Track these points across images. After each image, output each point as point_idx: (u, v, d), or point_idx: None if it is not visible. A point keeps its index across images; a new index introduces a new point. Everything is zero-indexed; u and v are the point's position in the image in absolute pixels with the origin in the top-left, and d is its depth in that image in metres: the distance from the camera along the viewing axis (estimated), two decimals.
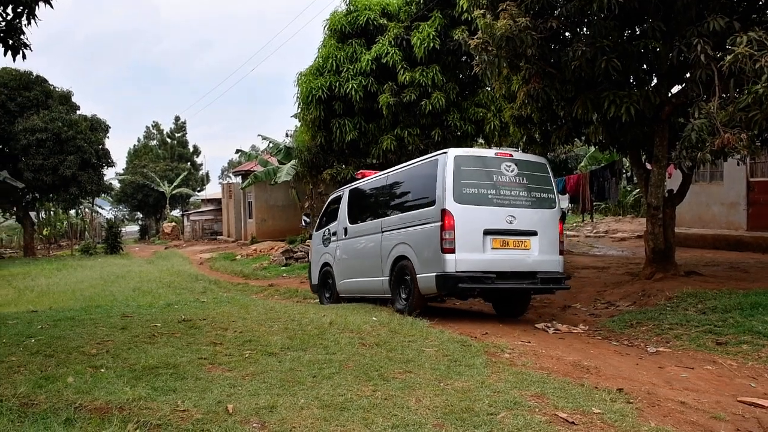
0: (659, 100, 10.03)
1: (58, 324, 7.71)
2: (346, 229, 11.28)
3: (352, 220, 11.19)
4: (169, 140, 70.90)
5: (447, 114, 15.16)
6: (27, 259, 35.14)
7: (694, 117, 8.45)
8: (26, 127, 33.64)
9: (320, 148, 17.35)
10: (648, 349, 7.46)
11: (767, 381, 5.98)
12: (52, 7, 7.11)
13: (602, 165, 19.06)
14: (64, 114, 35.60)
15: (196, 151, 72.44)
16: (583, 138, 12.23)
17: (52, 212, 53.12)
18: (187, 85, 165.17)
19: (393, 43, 14.97)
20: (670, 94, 10.47)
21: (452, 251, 8.38)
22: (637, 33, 10.41)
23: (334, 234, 11.71)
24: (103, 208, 63.91)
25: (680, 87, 10.53)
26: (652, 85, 10.66)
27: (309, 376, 5.35)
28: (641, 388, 5.32)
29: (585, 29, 10.12)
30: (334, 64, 15.72)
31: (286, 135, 33.32)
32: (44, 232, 50.35)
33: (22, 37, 7.34)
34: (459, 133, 15.70)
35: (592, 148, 21.91)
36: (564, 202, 18.68)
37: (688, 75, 9.84)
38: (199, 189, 67.54)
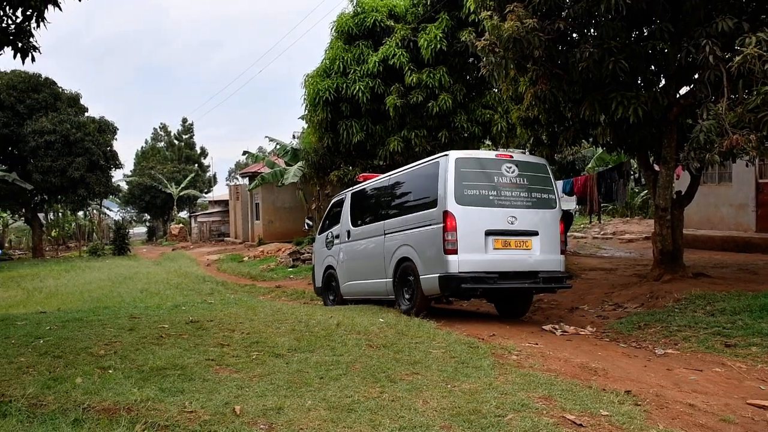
0: (667, 102, 9.99)
1: (66, 325, 7.74)
2: (349, 232, 11.37)
3: (355, 222, 11.27)
4: (176, 142, 71.13)
5: (454, 115, 15.14)
6: (36, 260, 35.36)
7: (703, 118, 8.41)
8: (35, 129, 33.86)
9: (327, 149, 17.36)
10: (656, 351, 7.43)
11: None
12: (60, 9, 7.14)
13: (610, 166, 18.98)
14: (73, 116, 35.84)
15: (204, 153, 72.66)
16: (590, 139, 12.19)
17: (60, 214, 53.41)
18: (194, 87, 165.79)
19: (400, 44, 14.96)
20: (678, 95, 10.42)
21: (455, 252, 8.47)
22: (645, 34, 10.37)
23: (337, 237, 11.80)
24: (111, 210, 64.24)
25: (688, 88, 10.48)
26: (660, 86, 10.62)
27: (316, 377, 5.35)
28: (649, 391, 5.30)
29: (592, 30, 10.08)
30: (341, 65, 15.73)
31: (293, 136, 33.38)
32: (53, 234, 50.64)
33: (31, 39, 7.38)
34: (466, 135, 15.67)
35: (600, 150, 21.85)
36: (571, 203, 18.64)
37: (696, 76, 9.80)
38: (206, 191, 67.72)
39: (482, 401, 4.69)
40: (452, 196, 8.59)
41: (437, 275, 8.60)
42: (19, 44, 7.31)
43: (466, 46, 13.42)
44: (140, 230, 73.06)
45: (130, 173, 64.62)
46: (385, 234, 10.06)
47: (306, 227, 15.61)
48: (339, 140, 16.30)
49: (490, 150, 17.33)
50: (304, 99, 16.73)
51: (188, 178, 59.43)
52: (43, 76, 36.24)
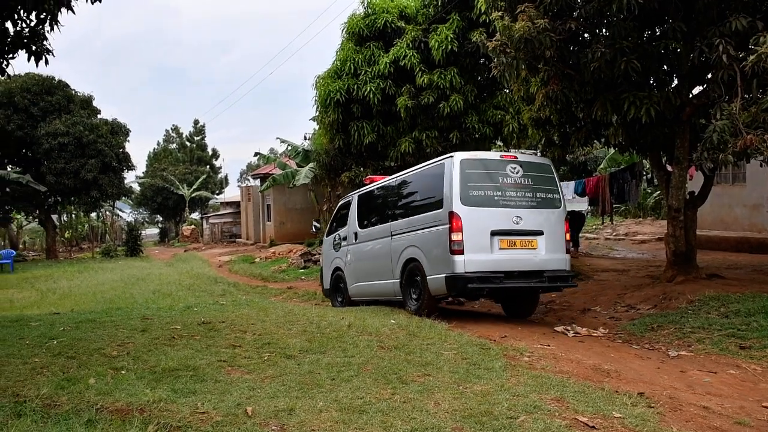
0: (680, 102, 9.93)
1: (79, 326, 7.80)
2: (356, 234, 11.48)
3: (362, 224, 11.39)
4: (188, 143, 71.45)
5: (465, 116, 15.10)
6: (49, 261, 35.62)
7: (716, 118, 8.35)
8: (48, 131, 34.13)
9: (338, 150, 17.37)
10: (669, 352, 7.38)
11: None
12: (74, 12, 7.19)
13: (622, 167, 18.89)
14: (86, 118, 36.09)
15: (215, 155, 72.93)
16: (602, 140, 12.14)
17: (73, 215, 53.77)
18: (206, 89, 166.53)
19: (411, 45, 14.95)
20: (691, 95, 10.35)
21: (461, 252, 8.56)
22: (657, 34, 10.31)
23: (345, 239, 11.93)
24: (123, 211, 64.54)
25: (701, 88, 10.41)
26: (672, 86, 10.55)
27: (328, 378, 5.35)
28: (663, 393, 5.26)
29: (604, 30, 10.03)
30: (352, 67, 15.74)
31: (305, 138, 33.38)
32: (66, 235, 51.02)
33: (44, 42, 7.45)
34: (477, 136, 15.63)
35: (612, 150, 21.72)
36: (583, 204, 18.56)
37: (709, 75, 9.74)
38: (218, 192, 67.98)
39: (494, 403, 4.68)
40: (458, 197, 8.69)
41: (444, 275, 8.68)
42: (33, 47, 7.38)
43: (477, 46, 13.40)
44: (152, 231, 73.43)
45: (142, 175, 64.99)
46: (392, 235, 10.16)
47: (314, 229, 15.70)
48: (350, 141, 16.31)
49: (501, 150, 17.30)
50: (315, 100, 16.75)
51: (200, 180, 59.68)
52: (56, 78, 36.51)
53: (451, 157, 9.06)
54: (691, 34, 9.38)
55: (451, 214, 8.65)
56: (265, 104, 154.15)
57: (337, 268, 12.18)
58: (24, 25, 7.29)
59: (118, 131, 38.55)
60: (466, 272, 8.53)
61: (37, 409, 4.33)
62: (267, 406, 4.53)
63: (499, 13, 9.82)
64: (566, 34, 9.46)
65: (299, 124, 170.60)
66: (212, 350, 6.38)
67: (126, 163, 39.24)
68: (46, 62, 7.55)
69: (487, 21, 12.04)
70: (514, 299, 10.08)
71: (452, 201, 8.70)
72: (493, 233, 8.73)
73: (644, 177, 17.40)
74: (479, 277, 8.56)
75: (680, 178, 10.61)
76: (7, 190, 35.22)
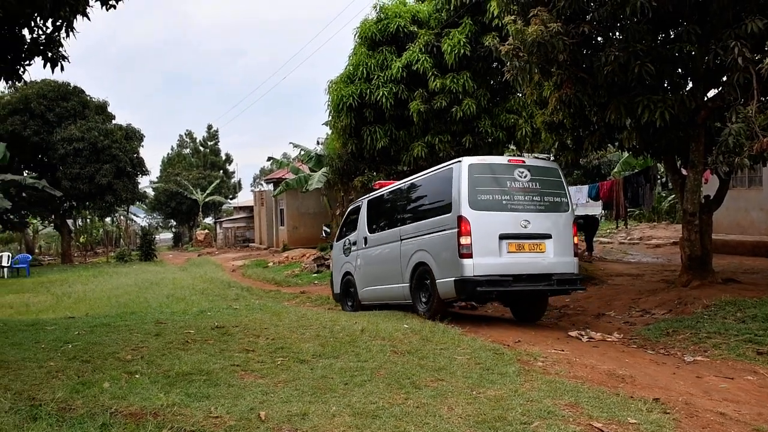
0: (695, 105, 9.86)
1: (94, 330, 7.84)
2: (365, 239, 11.58)
3: (371, 229, 11.50)
4: (201, 149, 71.86)
5: (478, 120, 15.07)
6: (65, 265, 35.89)
7: (732, 121, 8.29)
8: (64, 136, 34.46)
9: (351, 155, 17.39)
10: (685, 358, 7.31)
11: None
12: (89, 19, 7.26)
13: (636, 171, 18.79)
14: (100, 123, 36.42)
15: (229, 159, 73.28)
16: (616, 143, 12.07)
17: (88, 220, 54.20)
18: (219, 94, 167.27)
19: (423, 50, 14.94)
20: (706, 98, 10.28)
21: (469, 256, 8.64)
22: (672, 36, 10.24)
23: (354, 243, 12.04)
24: (137, 216, 65.06)
25: (716, 91, 10.34)
26: (687, 89, 10.49)
27: (341, 383, 5.35)
28: (678, 399, 5.21)
29: (617, 34, 9.99)
30: (364, 71, 15.75)
31: (317, 143, 33.44)
32: (81, 240, 51.38)
33: (60, 49, 7.53)
34: (490, 140, 15.57)
35: (626, 154, 21.63)
36: (597, 208, 18.49)
37: (724, 78, 9.66)
38: (231, 197, 68.30)
39: (508, 408, 4.65)
40: (466, 202, 8.78)
41: (453, 279, 8.76)
42: (49, 54, 7.47)
43: (490, 50, 13.39)
44: (166, 236, 73.89)
45: (156, 180, 65.35)
46: (401, 240, 10.24)
47: (323, 234, 15.79)
48: (363, 146, 16.31)
49: (514, 155, 17.24)
50: (328, 105, 16.77)
51: (213, 185, 59.99)
52: (71, 84, 36.87)
53: (459, 161, 9.17)
54: (705, 36, 9.32)
55: (460, 218, 8.73)
56: (278, 109, 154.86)
57: (347, 273, 12.28)
58: (40, 32, 7.38)
59: (132, 136, 38.85)
60: (474, 276, 8.60)
61: (52, 413, 4.35)
62: (280, 411, 4.53)
63: (512, 17, 9.82)
64: (579, 37, 9.42)
65: (312, 128, 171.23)
66: (225, 354, 6.40)
67: (140, 168, 39.52)
68: (62, 68, 7.64)
69: (500, 25, 12.03)
70: (523, 303, 10.13)
71: (461, 205, 8.79)
72: (502, 237, 8.80)
73: (658, 181, 17.29)
74: (488, 281, 8.64)
75: (695, 181, 10.53)
76: (24, 195, 35.53)
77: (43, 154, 36.44)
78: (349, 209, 13.04)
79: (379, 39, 15.84)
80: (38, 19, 7.19)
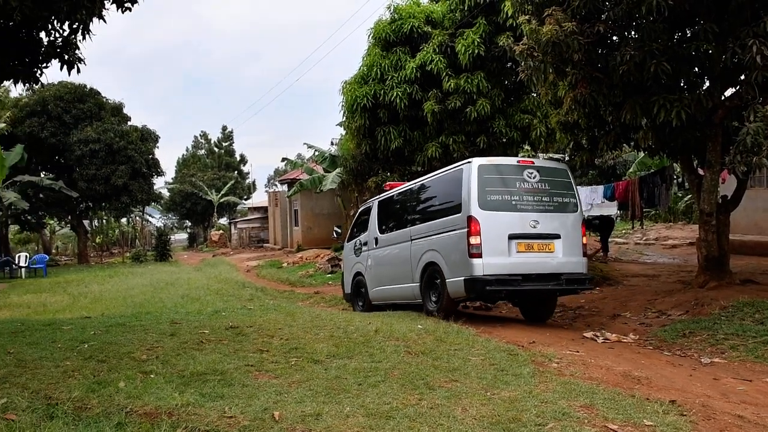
0: (712, 104, 9.77)
1: (110, 330, 7.90)
2: (376, 239, 11.68)
3: (382, 229, 11.60)
4: (216, 149, 72.19)
5: (492, 121, 15.01)
6: (81, 266, 36.21)
7: (750, 120, 8.21)
8: (80, 138, 34.78)
9: (365, 156, 17.39)
10: (702, 359, 7.24)
11: None
12: (105, 21, 7.33)
13: (652, 171, 18.65)
14: (116, 125, 36.73)
15: (243, 160, 73.57)
16: (631, 143, 12.00)
17: (104, 221, 54.72)
18: (234, 96, 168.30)
19: (437, 50, 14.92)
20: (723, 97, 10.18)
21: (479, 256, 8.74)
22: (688, 35, 10.16)
23: (365, 244, 12.14)
24: (152, 217, 65.44)
25: (734, 90, 10.23)
26: (704, 88, 10.39)
27: (354, 384, 5.34)
28: (695, 401, 5.15)
29: (633, 33, 9.92)
30: (378, 72, 15.75)
31: (332, 143, 33.58)
32: (97, 240, 51.91)
33: (77, 52, 7.61)
34: (505, 140, 15.51)
35: (642, 154, 21.47)
36: (613, 208, 18.37)
37: (742, 77, 9.56)
38: (245, 197, 68.54)
39: (522, 409, 4.62)
40: (476, 202, 8.88)
41: (463, 278, 8.86)
42: (66, 56, 7.55)
43: (504, 50, 13.32)
44: (181, 237, 74.30)
45: (171, 181, 65.80)
46: (412, 240, 10.33)
47: (334, 235, 15.88)
48: (377, 146, 16.31)
49: (529, 155, 17.16)
50: (342, 106, 16.79)
51: (228, 185, 60.23)
52: (88, 86, 37.20)
53: (469, 162, 9.28)
54: (723, 35, 9.23)
55: (470, 219, 8.83)
56: (293, 110, 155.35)
57: (358, 273, 12.40)
58: (57, 35, 7.45)
59: (147, 138, 39.13)
60: (484, 275, 8.70)
61: (68, 412, 4.38)
62: (294, 411, 4.53)
63: (527, 17, 9.77)
64: (594, 37, 9.37)
65: (326, 129, 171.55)
66: (240, 355, 6.42)
67: (155, 169, 39.80)
68: (78, 71, 7.72)
69: (514, 25, 11.98)
70: (532, 302, 10.20)
71: (470, 205, 8.88)
72: (511, 237, 8.91)
73: (675, 181, 17.16)
74: (497, 280, 8.73)
75: (712, 181, 10.43)
76: (41, 196, 35.94)
77: (60, 155, 36.80)
78: (359, 210, 13.16)
79: (393, 39, 15.84)
80: (55, 22, 7.26)
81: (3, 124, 30.46)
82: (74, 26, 7.31)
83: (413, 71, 15.02)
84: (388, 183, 13.36)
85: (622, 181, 18.95)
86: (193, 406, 4.57)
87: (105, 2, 7.14)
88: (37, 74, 7.71)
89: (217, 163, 69.29)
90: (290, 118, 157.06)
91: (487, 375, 5.74)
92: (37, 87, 12.99)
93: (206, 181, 61.03)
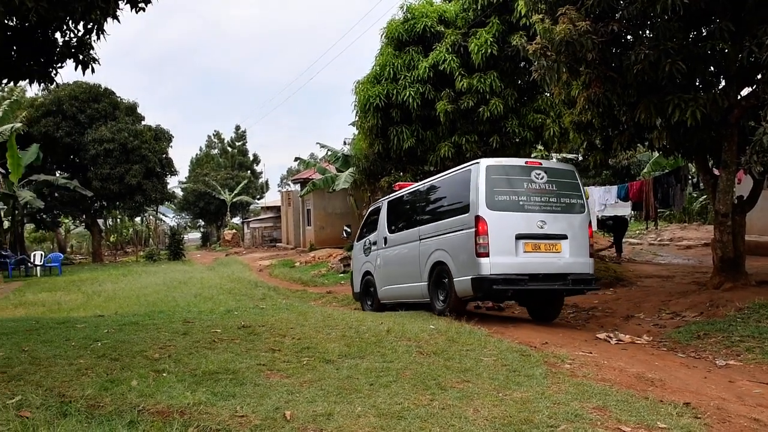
0: (727, 103, 9.67)
1: (123, 328, 7.94)
2: (385, 239, 11.81)
3: (391, 229, 11.72)
4: (229, 149, 72.51)
5: (505, 120, 14.97)
6: (95, 264, 36.50)
7: (766, 120, 8.11)
8: (95, 137, 35.08)
9: (378, 155, 17.39)
10: (717, 362, 7.17)
11: None
12: (119, 21, 7.36)
13: (666, 171, 18.51)
14: (130, 125, 37.01)
15: (256, 160, 73.83)
16: (646, 143, 11.91)
17: (118, 220, 55.09)
18: (247, 95, 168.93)
19: (450, 50, 14.89)
20: (739, 97, 10.08)
21: (486, 255, 8.84)
22: (704, 34, 10.07)
23: (374, 243, 12.28)
24: (166, 216, 65.85)
25: (751, 89, 10.13)
26: (719, 87, 10.30)
27: (366, 384, 5.33)
28: (710, 403, 5.10)
29: (648, 32, 9.85)
30: (391, 72, 15.75)
31: (344, 143, 33.57)
32: (111, 239, 52.27)
33: (91, 52, 7.66)
34: (517, 140, 15.47)
35: (656, 154, 21.32)
36: (626, 209, 18.23)
37: (759, 76, 9.49)
38: (258, 197, 68.78)
39: (534, 411, 4.60)
40: (484, 202, 8.98)
41: (470, 277, 8.96)
42: (81, 56, 7.60)
43: (518, 50, 13.30)
44: (194, 236, 74.64)
45: (184, 180, 66.14)
46: (420, 239, 10.44)
47: (344, 235, 15.94)
48: (390, 146, 16.31)
49: (542, 155, 17.06)
50: (355, 105, 16.80)
51: (241, 185, 60.48)
52: (102, 86, 37.50)
53: (477, 163, 9.38)
54: (739, 33, 9.15)
55: (477, 218, 8.93)
56: (306, 110, 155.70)
57: (367, 272, 12.52)
58: (72, 35, 7.50)
59: (161, 137, 39.39)
60: (491, 274, 8.80)
61: (81, 410, 4.41)
62: (305, 411, 4.53)
63: (540, 16, 9.74)
64: (608, 36, 9.31)
65: (339, 129, 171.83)
66: (252, 354, 6.43)
67: (169, 168, 40.06)
68: (93, 71, 7.77)
69: (528, 24, 11.94)
70: (538, 302, 10.25)
71: (478, 205, 8.98)
72: (518, 237, 8.99)
73: (689, 181, 17.01)
74: (504, 279, 8.83)
75: (728, 182, 10.34)
76: (56, 195, 36.27)
77: (75, 154, 37.12)
78: (369, 210, 13.28)
79: (406, 39, 15.83)
80: (70, 22, 7.31)
81: (19, 124, 30.71)
82: (89, 26, 7.35)
83: (426, 71, 15.00)
84: (397, 183, 13.51)
85: (636, 181, 18.82)
86: (205, 404, 4.58)
87: (119, 2, 7.17)
88: (53, 74, 7.76)
89: (230, 162, 69.59)
90: (303, 117, 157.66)
91: (499, 376, 5.72)
92: (52, 87, 13.08)
93: (219, 180, 61.31)
